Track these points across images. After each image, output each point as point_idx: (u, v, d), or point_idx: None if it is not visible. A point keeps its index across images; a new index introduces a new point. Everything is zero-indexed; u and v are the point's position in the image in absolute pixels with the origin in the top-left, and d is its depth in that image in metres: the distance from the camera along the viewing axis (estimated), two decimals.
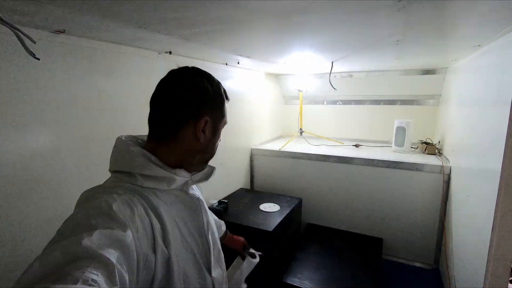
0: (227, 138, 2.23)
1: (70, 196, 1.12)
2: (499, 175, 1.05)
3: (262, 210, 1.95)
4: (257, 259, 1.18)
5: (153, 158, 0.61)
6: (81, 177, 1.17)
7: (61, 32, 1.03)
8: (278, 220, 1.80)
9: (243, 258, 1.14)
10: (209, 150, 0.70)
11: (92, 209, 0.51)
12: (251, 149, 2.59)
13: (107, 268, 0.43)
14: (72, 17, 0.86)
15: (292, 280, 1.66)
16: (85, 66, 1.16)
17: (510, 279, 1.96)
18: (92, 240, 0.44)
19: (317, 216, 2.39)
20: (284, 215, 1.88)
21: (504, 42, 1.13)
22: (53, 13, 0.82)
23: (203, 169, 0.71)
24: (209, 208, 1.64)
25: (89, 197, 0.55)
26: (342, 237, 2.20)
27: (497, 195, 1.06)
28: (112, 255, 0.45)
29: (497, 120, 1.11)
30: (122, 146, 0.63)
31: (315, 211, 2.39)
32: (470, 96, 1.60)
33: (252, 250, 1.19)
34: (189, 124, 0.63)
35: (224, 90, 0.72)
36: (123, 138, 0.65)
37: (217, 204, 1.95)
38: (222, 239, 1.15)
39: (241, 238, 1.20)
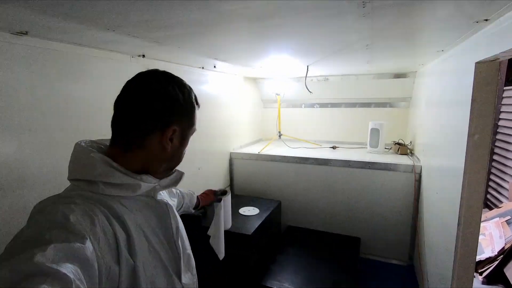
0: (205, 142, 2.21)
1: None
2: (462, 171, 1.11)
3: (241, 214, 1.94)
4: (229, 193, 1.37)
5: (115, 164, 0.58)
6: (47, 187, 1.11)
7: (24, 33, 0.99)
8: (257, 223, 1.79)
9: (219, 201, 1.28)
10: (176, 158, 0.69)
11: (47, 221, 0.48)
12: (230, 153, 2.58)
13: (64, 284, 0.40)
14: (34, 18, 0.82)
15: (272, 283, 1.65)
16: (51, 70, 1.11)
17: (479, 271, 2.07)
18: (46, 256, 0.41)
19: (296, 218, 2.42)
20: (264, 218, 1.88)
21: (463, 47, 1.21)
22: (13, 13, 0.78)
23: (169, 175, 0.69)
24: (187, 214, 1.63)
25: (43, 209, 0.52)
26: (321, 238, 2.23)
27: (461, 191, 1.12)
28: (70, 269, 0.42)
29: (459, 120, 1.17)
30: (82, 152, 0.60)
31: (294, 213, 2.41)
32: (436, 98, 1.69)
33: (220, 190, 1.38)
34: (156, 132, 0.61)
35: (195, 97, 0.70)
36: (83, 143, 0.62)
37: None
38: (197, 206, 1.30)
39: (207, 191, 1.38)
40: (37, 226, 0.47)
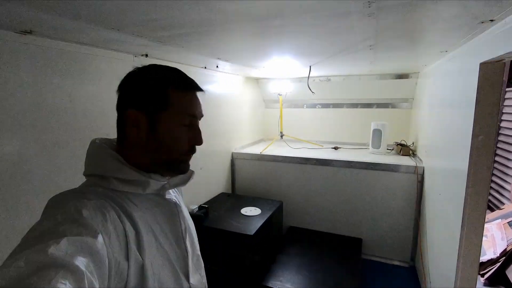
0: (207, 142, 2.20)
1: (36, 206, 1.06)
2: (466, 173, 1.10)
3: (243, 214, 1.93)
4: None
5: (124, 160, 0.60)
6: (51, 186, 1.11)
7: (28, 33, 0.99)
8: (259, 224, 1.79)
9: None
10: (160, 148, 0.61)
11: (60, 215, 0.49)
12: (232, 153, 2.58)
13: (76, 276, 0.41)
14: (38, 17, 0.82)
15: (274, 283, 1.65)
16: (55, 69, 1.11)
17: (481, 273, 2.06)
18: (60, 248, 0.42)
19: (298, 218, 2.41)
20: (265, 218, 1.88)
21: (467, 48, 1.20)
22: (16, 13, 0.78)
23: (176, 172, 0.67)
24: (189, 213, 1.61)
25: (57, 203, 0.53)
26: (323, 238, 2.22)
27: (465, 193, 1.11)
28: (82, 262, 0.43)
29: (463, 121, 1.17)
30: (95, 149, 0.62)
31: (296, 214, 2.41)
32: (439, 99, 1.68)
33: None
34: (124, 119, 0.61)
35: (183, 78, 0.65)
36: (97, 141, 0.63)
37: (197, 209, 1.92)
38: None
39: None
40: (51, 219, 0.48)
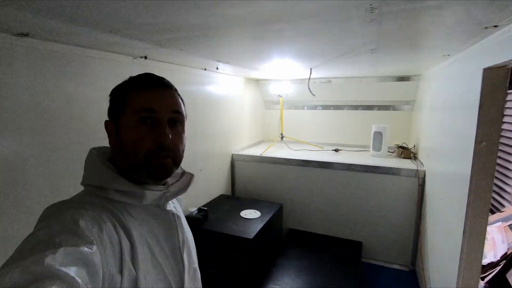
0: (207, 144, 2.20)
1: (34, 210, 1.05)
2: (469, 179, 1.09)
3: (242, 217, 1.92)
4: None
5: (116, 171, 0.59)
6: (47, 190, 1.10)
7: (25, 35, 0.97)
8: (259, 227, 1.78)
9: None
10: (125, 151, 0.59)
11: (57, 225, 0.48)
12: (232, 155, 2.57)
13: (72, 287, 0.40)
14: (35, 20, 0.81)
15: (272, 287, 1.64)
16: (52, 71, 1.10)
17: (481, 276, 2.05)
18: (56, 258, 0.41)
19: (298, 221, 2.40)
20: (265, 221, 1.86)
21: (470, 53, 1.19)
22: (13, 15, 0.77)
23: (151, 177, 0.61)
24: (188, 216, 1.57)
25: (54, 212, 0.52)
26: (323, 241, 2.21)
27: (467, 199, 1.10)
28: (77, 273, 0.42)
29: (466, 126, 1.15)
30: (92, 159, 0.61)
31: (296, 216, 2.40)
32: (441, 102, 1.67)
33: None
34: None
35: (140, 79, 0.62)
36: (94, 151, 0.62)
37: (196, 211, 1.90)
38: None
39: None
40: (47, 229, 0.47)
